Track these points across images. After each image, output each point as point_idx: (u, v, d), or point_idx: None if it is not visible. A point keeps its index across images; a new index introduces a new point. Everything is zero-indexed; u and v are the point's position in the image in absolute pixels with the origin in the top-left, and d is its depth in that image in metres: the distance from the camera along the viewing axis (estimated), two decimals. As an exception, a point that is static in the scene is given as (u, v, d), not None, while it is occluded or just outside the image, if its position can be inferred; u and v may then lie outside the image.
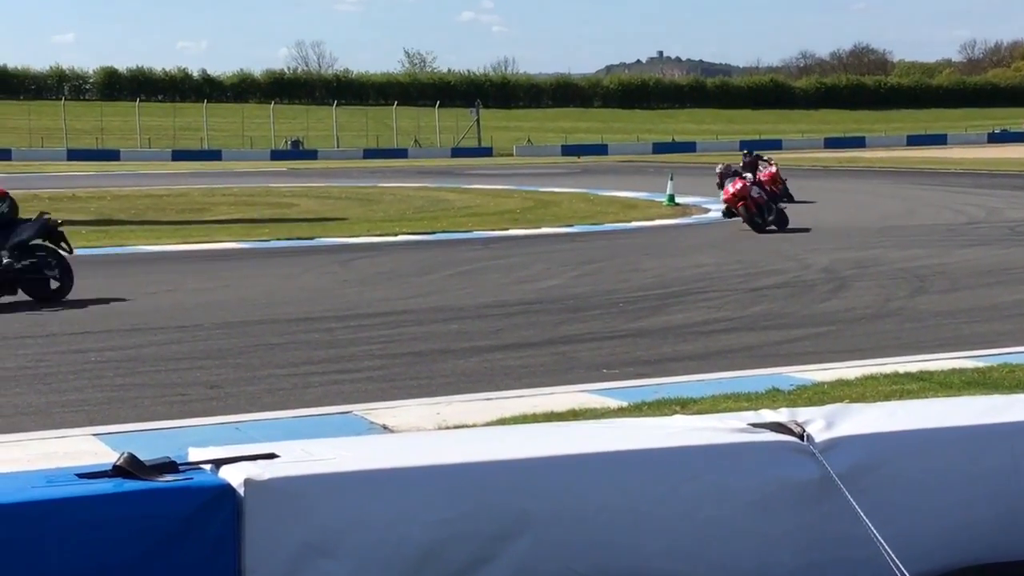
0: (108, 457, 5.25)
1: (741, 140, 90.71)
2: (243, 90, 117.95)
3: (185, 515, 3.82)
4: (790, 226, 24.15)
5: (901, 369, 9.72)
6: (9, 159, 73.18)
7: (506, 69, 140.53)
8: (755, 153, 33.03)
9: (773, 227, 23.86)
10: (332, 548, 4.01)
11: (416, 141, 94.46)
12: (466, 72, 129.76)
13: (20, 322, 13.03)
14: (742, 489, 4.47)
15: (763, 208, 23.96)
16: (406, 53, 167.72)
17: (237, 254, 21.18)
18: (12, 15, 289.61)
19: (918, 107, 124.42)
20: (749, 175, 25.05)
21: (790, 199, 30.42)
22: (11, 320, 13.20)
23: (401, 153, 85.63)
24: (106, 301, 14.76)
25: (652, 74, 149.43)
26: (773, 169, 30.80)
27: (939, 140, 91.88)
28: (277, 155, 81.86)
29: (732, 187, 23.98)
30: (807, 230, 23.93)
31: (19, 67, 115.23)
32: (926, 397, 8.23)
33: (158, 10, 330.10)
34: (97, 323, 12.93)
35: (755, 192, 24.13)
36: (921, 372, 9.59)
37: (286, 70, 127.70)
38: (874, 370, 9.72)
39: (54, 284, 15.00)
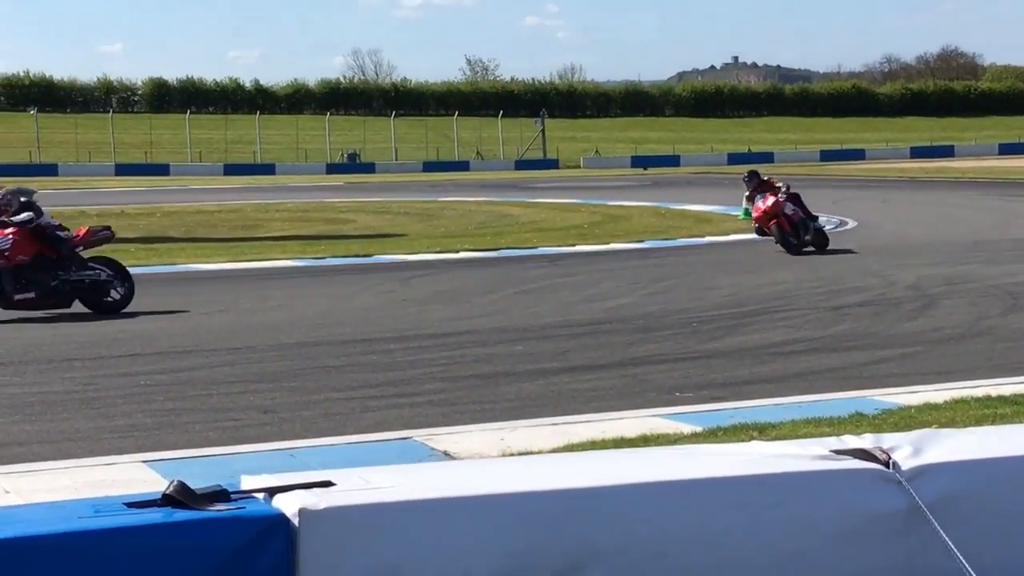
0: (158, 485, 5.29)
1: (821, 149, 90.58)
2: (297, 101, 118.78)
3: (237, 546, 3.84)
4: None
5: (993, 392, 9.63)
6: (55, 174, 74.08)
7: (572, 77, 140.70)
8: (761, 176, 24.21)
9: None
10: (391, 581, 4.01)
11: (478, 153, 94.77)
12: (530, 80, 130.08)
13: (68, 344, 13.17)
14: (824, 520, 4.44)
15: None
16: (467, 61, 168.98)
17: (291, 272, 21.32)
18: (57, 24, 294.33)
19: (1011, 114, 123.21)
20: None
21: (816, 243, 22.76)
22: (59, 342, 13.35)
23: (462, 165, 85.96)
24: (155, 322, 14.90)
25: (726, 81, 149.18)
26: (768, 203, 22.73)
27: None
28: (333, 168, 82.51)
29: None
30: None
31: (65, 78, 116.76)
32: (1021, 422, 8.15)
33: (208, 19, 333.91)
34: (147, 345, 13.04)
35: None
36: (1015, 395, 9.49)
37: (342, 80, 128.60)
38: (964, 393, 9.63)
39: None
